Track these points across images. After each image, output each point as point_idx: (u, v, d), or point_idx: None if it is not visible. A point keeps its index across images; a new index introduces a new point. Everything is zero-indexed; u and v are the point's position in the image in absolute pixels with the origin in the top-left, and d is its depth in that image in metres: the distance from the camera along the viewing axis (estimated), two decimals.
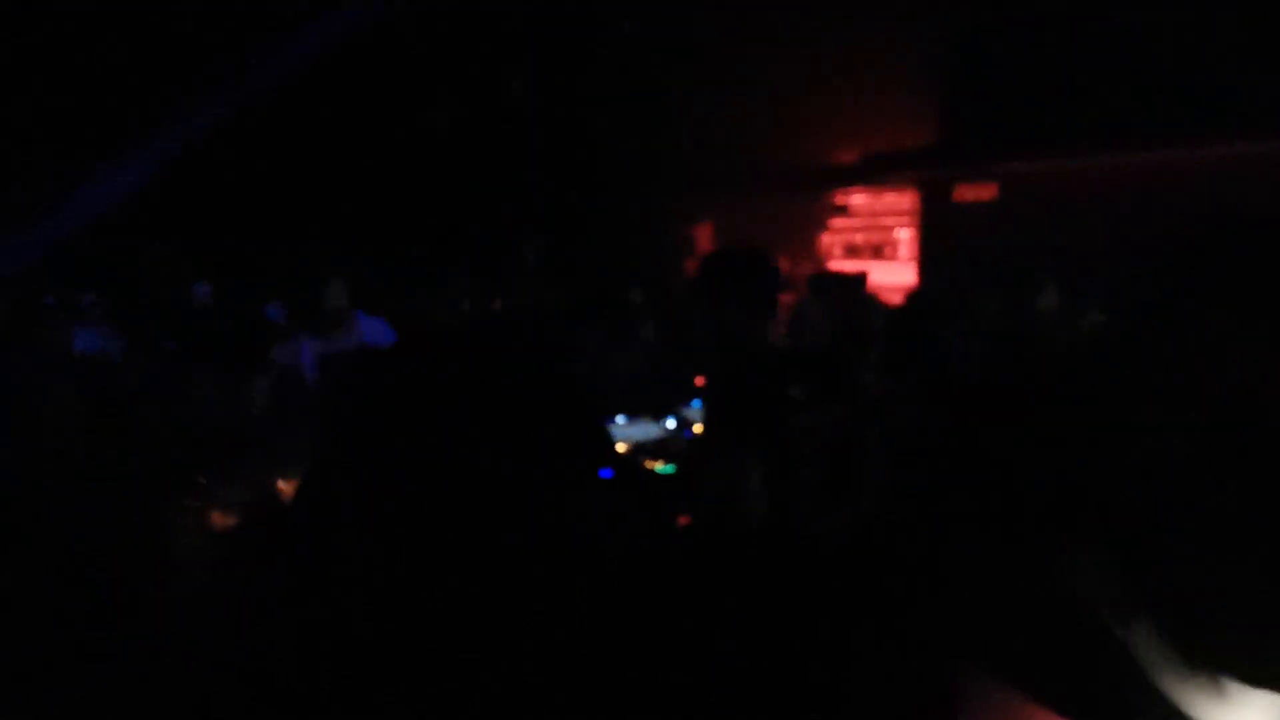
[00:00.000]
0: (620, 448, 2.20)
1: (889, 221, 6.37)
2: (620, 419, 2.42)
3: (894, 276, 5.87)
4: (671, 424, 2.38)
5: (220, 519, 2.38)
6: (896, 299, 3.15)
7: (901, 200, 6.22)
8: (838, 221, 6.72)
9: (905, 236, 6.23)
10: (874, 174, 6.13)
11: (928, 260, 5.82)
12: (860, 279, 4.23)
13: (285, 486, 2.83)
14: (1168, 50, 4.25)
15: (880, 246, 6.39)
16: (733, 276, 1.74)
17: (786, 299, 3.46)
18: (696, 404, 2.59)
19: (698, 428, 2.35)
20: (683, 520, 1.71)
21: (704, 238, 7.39)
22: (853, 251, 6.54)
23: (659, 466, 2.06)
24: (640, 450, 2.21)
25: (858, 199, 6.58)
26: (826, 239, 6.70)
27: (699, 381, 2.73)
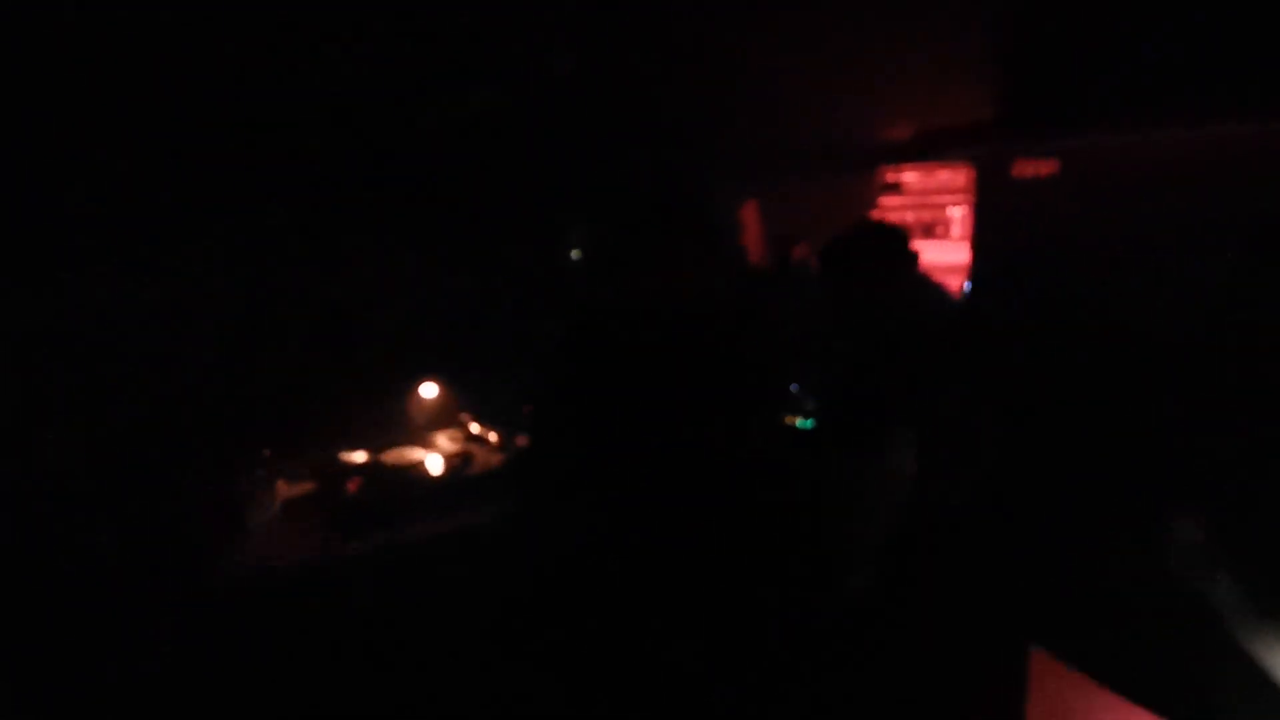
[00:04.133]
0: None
1: (942, 199, 6.22)
2: None
3: (946, 256, 5.74)
4: (794, 386, 2.46)
5: (285, 489, 2.46)
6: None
7: (955, 177, 6.06)
8: (888, 200, 6.58)
9: (959, 215, 6.08)
10: (926, 150, 5.97)
11: (982, 240, 5.66)
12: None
13: (348, 459, 2.91)
14: (1242, 17, 4.03)
15: (932, 225, 6.24)
16: (871, 251, 1.74)
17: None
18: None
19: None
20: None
21: (749, 217, 7.31)
22: None
23: (799, 421, 2.15)
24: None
25: (909, 176, 6.44)
26: (876, 218, 6.58)
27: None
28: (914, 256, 1.87)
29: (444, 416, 3.42)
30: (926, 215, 6.16)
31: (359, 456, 2.96)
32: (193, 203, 3.95)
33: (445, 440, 3.31)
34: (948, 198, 6.08)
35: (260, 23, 2.69)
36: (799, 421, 2.24)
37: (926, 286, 2.74)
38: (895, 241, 1.82)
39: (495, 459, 3.13)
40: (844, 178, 6.45)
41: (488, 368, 3.52)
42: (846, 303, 1.82)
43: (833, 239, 2.01)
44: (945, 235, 6.07)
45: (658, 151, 5.62)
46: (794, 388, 2.48)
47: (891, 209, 6.56)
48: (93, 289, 3.58)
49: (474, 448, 3.23)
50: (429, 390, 3.42)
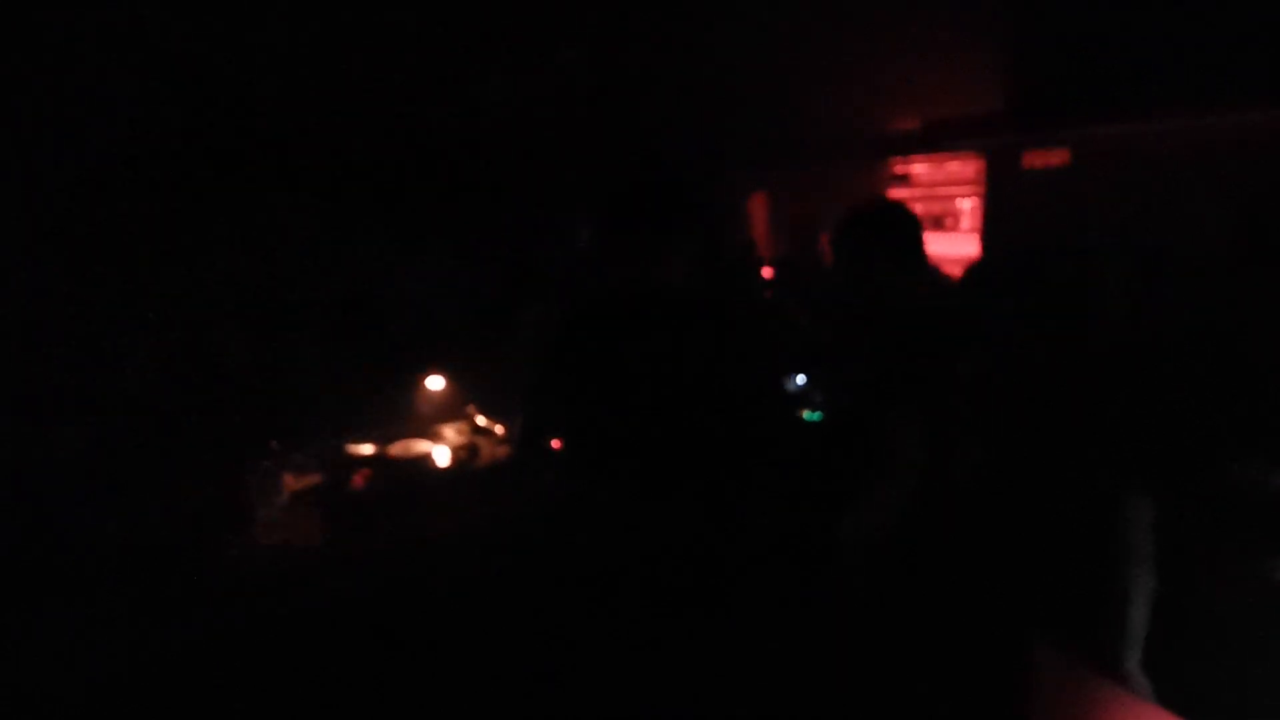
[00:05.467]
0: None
1: (951, 191, 6.17)
2: None
3: (955, 248, 5.70)
4: (801, 380, 2.45)
5: (292, 481, 2.46)
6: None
7: (965, 168, 6.01)
8: (896, 191, 6.54)
9: (968, 207, 6.03)
10: (935, 141, 5.92)
11: (992, 232, 5.62)
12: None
13: (354, 451, 2.92)
14: (1250, 5, 3.97)
15: (941, 217, 6.20)
16: (880, 230, 1.75)
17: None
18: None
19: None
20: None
21: (757, 208, 7.28)
22: None
23: (806, 414, 2.15)
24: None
25: (918, 168, 6.39)
26: (887, 196, 6.55)
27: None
28: (922, 237, 1.86)
29: (450, 409, 3.43)
30: (935, 207, 6.13)
31: (366, 449, 2.97)
32: (207, 196, 3.96)
33: (451, 433, 3.32)
34: (956, 189, 6.04)
35: (268, 19, 2.69)
36: (806, 414, 2.25)
37: (933, 272, 2.73)
38: (906, 219, 1.82)
39: (501, 451, 3.14)
40: (852, 169, 6.41)
41: (494, 360, 3.52)
42: (857, 280, 1.82)
43: (845, 212, 2.01)
44: (954, 227, 6.03)
45: (663, 143, 5.60)
46: (802, 380, 2.47)
47: (899, 200, 6.50)
48: (102, 280, 3.60)
49: (480, 440, 3.24)
50: (435, 383, 3.43)
